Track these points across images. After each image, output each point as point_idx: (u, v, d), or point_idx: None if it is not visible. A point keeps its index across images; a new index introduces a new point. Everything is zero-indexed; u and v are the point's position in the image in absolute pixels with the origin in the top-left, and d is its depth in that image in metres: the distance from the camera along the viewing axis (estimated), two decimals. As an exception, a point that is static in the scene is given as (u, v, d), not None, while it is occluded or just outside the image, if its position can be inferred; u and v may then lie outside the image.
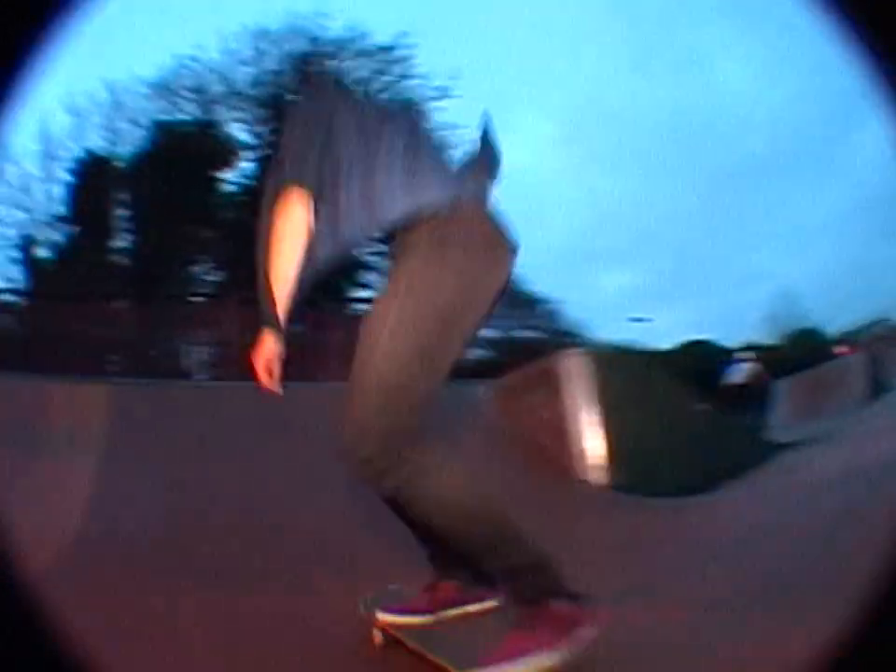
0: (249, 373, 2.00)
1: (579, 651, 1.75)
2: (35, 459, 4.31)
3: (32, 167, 17.44)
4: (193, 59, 18.43)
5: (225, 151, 18.47)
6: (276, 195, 1.89)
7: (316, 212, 1.86)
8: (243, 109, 19.26)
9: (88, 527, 3.56)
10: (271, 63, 19.04)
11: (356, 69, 18.81)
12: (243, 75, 19.03)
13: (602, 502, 4.89)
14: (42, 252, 17.64)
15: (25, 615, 1.22)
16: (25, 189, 17.46)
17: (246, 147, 19.13)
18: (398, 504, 1.91)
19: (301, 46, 18.80)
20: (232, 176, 18.96)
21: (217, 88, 18.85)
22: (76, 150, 17.95)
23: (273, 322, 1.92)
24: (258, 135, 19.13)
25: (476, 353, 18.11)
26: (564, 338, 19.32)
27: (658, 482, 4.95)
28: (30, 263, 17.07)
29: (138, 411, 5.33)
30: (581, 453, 5.33)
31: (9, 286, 15.71)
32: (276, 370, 1.97)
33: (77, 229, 17.73)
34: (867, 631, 1.09)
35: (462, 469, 1.82)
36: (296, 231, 1.86)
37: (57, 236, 17.84)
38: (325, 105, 1.99)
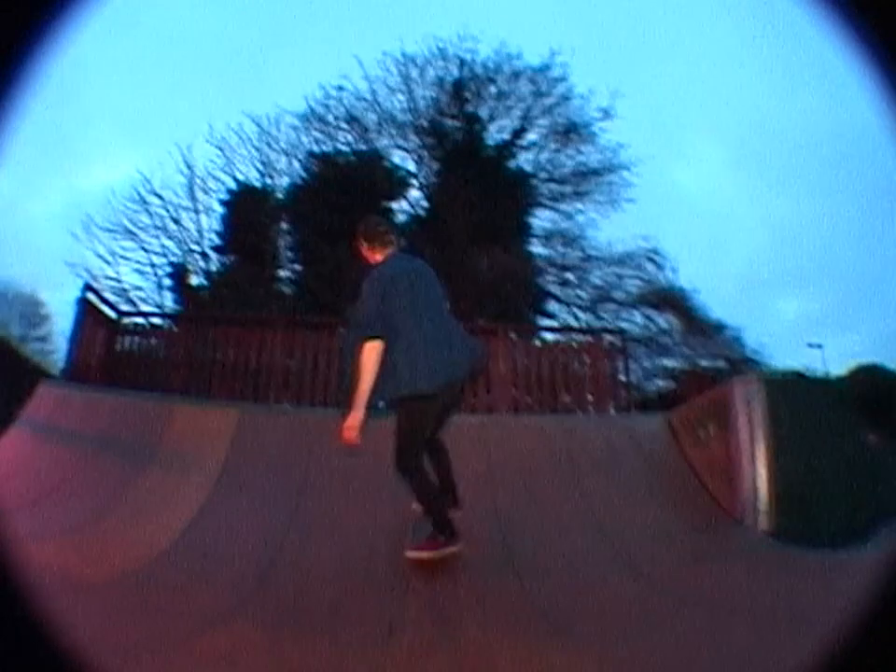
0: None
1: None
2: (162, 474, 5.45)
3: (181, 198, 18.25)
4: (340, 88, 18.47)
5: (384, 179, 17.98)
6: (358, 341, 3.86)
7: (391, 346, 3.86)
8: (398, 136, 18.96)
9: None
10: (421, 89, 18.70)
11: (514, 91, 18.45)
12: (394, 102, 18.81)
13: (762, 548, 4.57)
14: (195, 279, 18.17)
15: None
16: (176, 220, 18.16)
17: (406, 174, 18.73)
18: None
19: (449, 70, 18.51)
20: (393, 204, 18.46)
21: (369, 116, 18.71)
22: (227, 182, 18.37)
23: (358, 409, 3.79)
24: (416, 162, 18.83)
25: (657, 383, 16.73)
26: (743, 365, 18.16)
27: (824, 525, 4.68)
28: (183, 290, 17.58)
29: (286, 435, 6.20)
30: (747, 495, 4.99)
31: (163, 311, 16.53)
32: (356, 436, 3.79)
33: (231, 257, 17.89)
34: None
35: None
36: (373, 363, 3.79)
37: (210, 264, 18.23)
38: (379, 284, 3.96)
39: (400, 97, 18.78)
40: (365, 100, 18.69)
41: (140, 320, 10.58)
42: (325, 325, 9.28)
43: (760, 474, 5.02)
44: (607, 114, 18.36)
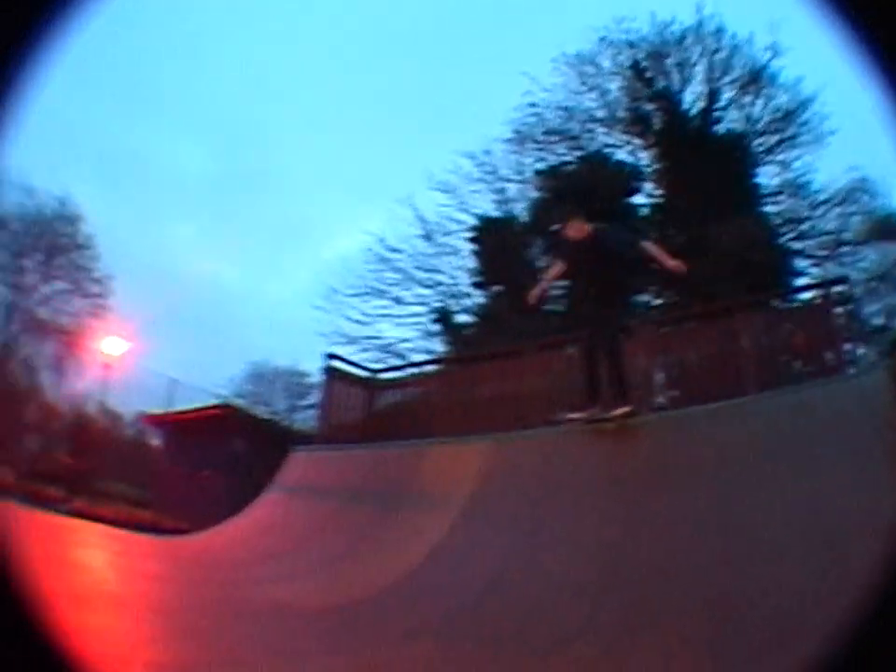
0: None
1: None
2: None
3: (423, 247, 19.26)
4: (532, 105, 18.72)
5: (612, 179, 17.69)
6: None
7: None
8: (605, 135, 18.88)
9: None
10: (604, 82, 18.63)
11: (689, 56, 17.95)
12: (586, 103, 18.76)
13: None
14: (460, 318, 19.02)
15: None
16: (423, 268, 19.23)
17: (629, 167, 18.38)
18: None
19: (622, 56, 18.30)
20: (632, 199, 18.21)
21: (571, 124, 18.79)
22: (466, 220, 19.17)
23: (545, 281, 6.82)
24: (631, 153, 18.58)
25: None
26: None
27: None
28: (450, 331, 18.57)
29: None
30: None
31: (431, 356, 17.56)
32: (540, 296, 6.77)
33: (490, 290, 18.52)
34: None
35: None
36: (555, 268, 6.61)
37: (470, 301, 19.10)
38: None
39: (591, 96, 18.73)
40: (560, 108, 18.87)
41: (396, 374, 11.23)
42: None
43: None
44: (775, 50, 17.17)
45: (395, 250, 19.54)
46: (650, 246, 6.14)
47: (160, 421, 22.39)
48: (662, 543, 4.38)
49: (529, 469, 6.06)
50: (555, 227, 6.40)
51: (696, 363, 8.07)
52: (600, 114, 18.88)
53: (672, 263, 5.78)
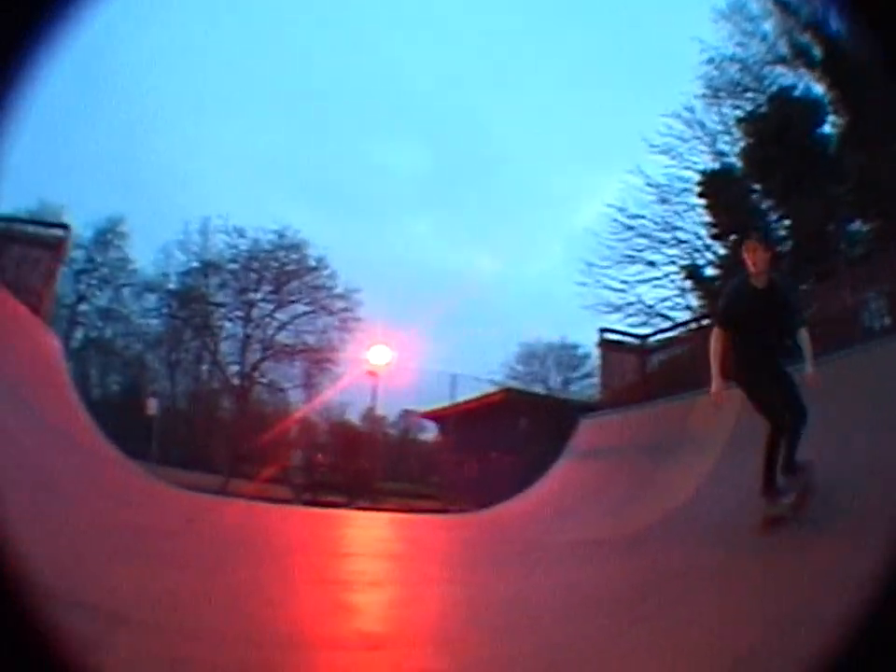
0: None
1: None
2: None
3: (660, 209, 19.92)
4: (710, 60, 18.63)
5: (805, 112, 16.84)
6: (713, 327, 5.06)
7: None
8: (786, 70, 18.25)
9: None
10: (763, 25, 18.26)
11: None
12: (754, 47, 18.50)
13: None
14: (709, 271, 19.32)
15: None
16: (666, 228, 19.80)
17: (816, 99, 17.40)
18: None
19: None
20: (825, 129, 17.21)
21: (748, 71, 18.80)
22: (692, 177, 19.52)
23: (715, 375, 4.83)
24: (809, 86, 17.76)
25: None
26: None
27: None
28: (701, 285, 18.98)
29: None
30: None
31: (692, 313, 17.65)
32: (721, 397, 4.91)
33: (729, 239, 17.98)
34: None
35: None
36: (719, 345, 4.90)
37: (714, 254, 19.26)
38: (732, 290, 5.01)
39: (754, 41, 18.36)
40: (733, 60, 18.61)
41: (662, 335, 11.75)
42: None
43: None
44: None
45: (636, 216, 20.08)
46: (804, 335, 4.94)
47: (439, 415, 23.84)
48: None
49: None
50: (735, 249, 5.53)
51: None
52: (769, 56, 18.29)
53: (812, 371, 4.75)
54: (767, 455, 4.77)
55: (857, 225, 15.89)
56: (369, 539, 6.62)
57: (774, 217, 17.53)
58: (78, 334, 25.49)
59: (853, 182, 15.05)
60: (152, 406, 21.24)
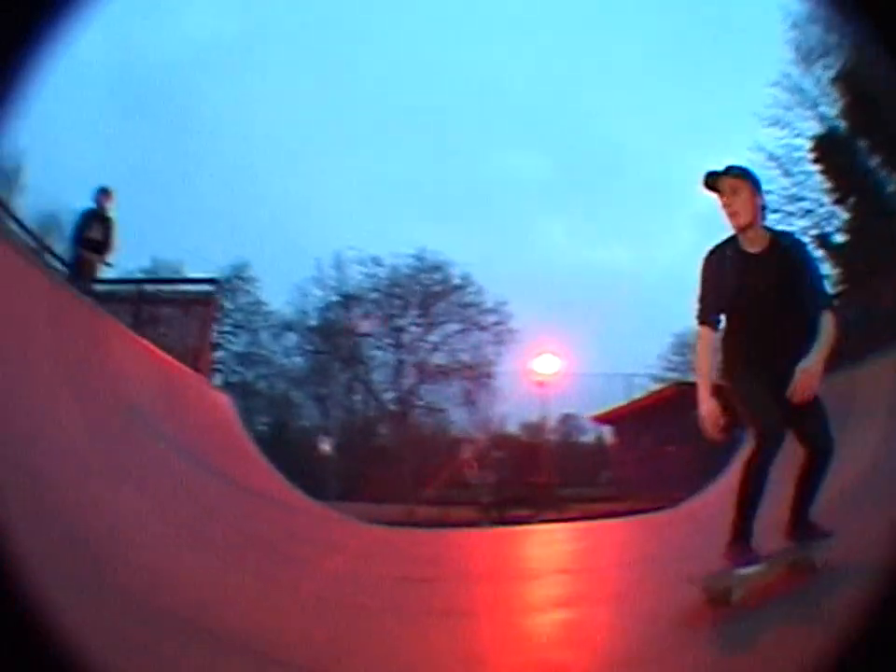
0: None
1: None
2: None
3: (784, 182, 19.69)
4: (793, 24, 18.38)
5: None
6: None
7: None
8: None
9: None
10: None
11: None
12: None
13: None
14: (839, 237, 19.06)
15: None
16: (795, 199, 19.58)
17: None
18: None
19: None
20: None
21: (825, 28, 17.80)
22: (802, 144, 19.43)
23: (703, 395, 3.33)
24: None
25: None
26: None
27: None
28: (831, 253, 18.39)
29: None
30: None
31: None
32: (718, 419, 3.29)
33: (850, 202, 18.25)
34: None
35: None
36: (704, 353, 3.46)
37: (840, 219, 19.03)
38: (708, 263, 3.49)
39: None
40: (809, 22, 18.24)
41: None
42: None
43: None
44: None
45: (765, 192, 19.66)
46: (828, 320, 3.32)
47: (612, 417, 24.00)
48: None
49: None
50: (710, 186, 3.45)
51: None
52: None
53: (812, 366, 3.16)
54: (746, 489, 3.14)
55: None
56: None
57: (883, 173, 17.29)
58: (216, 381, 26.02)
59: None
60: (325, 444, 22.15)
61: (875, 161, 17.22)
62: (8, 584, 1.32)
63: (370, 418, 27.77)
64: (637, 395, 22.73)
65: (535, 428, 24.93)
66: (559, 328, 24.45)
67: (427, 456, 23.65)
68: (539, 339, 24.00)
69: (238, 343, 27.70)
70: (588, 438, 29.09)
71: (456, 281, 27.00)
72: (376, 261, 26.73)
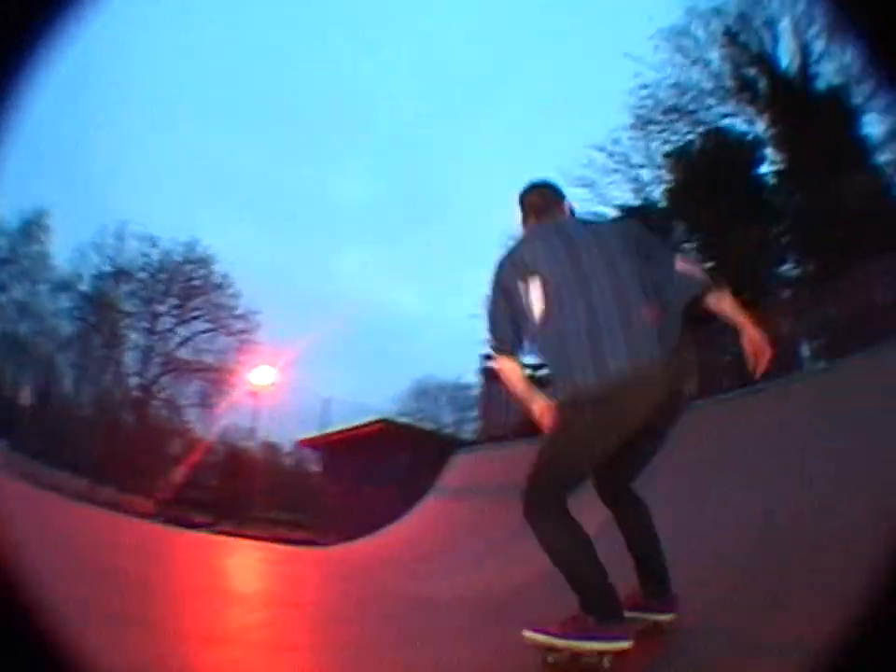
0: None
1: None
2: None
3: None
4: (644, 86, 18.27)
5: (742, 149, 17.01)
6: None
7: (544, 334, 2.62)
8: (718, 105, 18.31)
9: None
10: (706, 53, 18.01)
11: (775, 12, 17.06)
12: (694, 76, 18.29)
13: None
14: None
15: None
16: None
17: (751, 137, 17.58)
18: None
19: (713, 24, 17.69)
20: (761, 169, 17.30)
21: (683, 100, 18.49)
22: (606, 212, 18.62)
23: (529, 405, 2.93)
24: (748, 122, 17.95)
25: None
26: None
27: None
28: None
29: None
30: None
31: None
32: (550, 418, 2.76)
33: None
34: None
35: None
36: (512, 377, 2.92)
37: None
38: (499, 273, 2.75)
39: (696, 68, 18.17)
40: (670, 86, 18.31)
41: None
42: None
43: None
44: None
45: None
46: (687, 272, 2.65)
47: (317, 443, 23.26)
48: None
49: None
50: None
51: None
52: (709, 85, 18.30)
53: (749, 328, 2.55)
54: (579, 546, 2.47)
55: (787, 267, 15.75)
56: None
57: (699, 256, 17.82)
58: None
59: (786, 225, 15.51)
60: (26, 396, 21.53)
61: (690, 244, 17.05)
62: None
63: (114, 401, 26.21)
64: (343, 425, 22.14)
65: (265, 446, 24.92)
66: (300, 349, 23.63)
67: (149, 446, 22.70)
68: (267, 350, 23.87)
69: (20, 291, 25.30)
70: (294, 460, 28.29)
71: (217, 280, 26.58)
72: (152, 241, 25.83)
